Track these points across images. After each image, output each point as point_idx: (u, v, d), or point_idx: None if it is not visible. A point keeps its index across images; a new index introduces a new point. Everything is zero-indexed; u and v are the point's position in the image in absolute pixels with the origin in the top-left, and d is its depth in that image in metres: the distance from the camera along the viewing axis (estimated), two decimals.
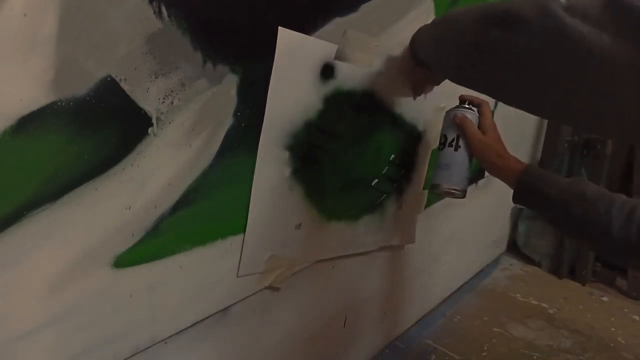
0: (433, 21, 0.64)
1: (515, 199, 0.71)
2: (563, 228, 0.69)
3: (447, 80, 0.91)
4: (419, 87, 0.80)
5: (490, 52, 0.49)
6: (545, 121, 1.65)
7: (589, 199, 0.63)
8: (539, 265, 1.66)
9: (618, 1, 0.40)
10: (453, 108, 0.78)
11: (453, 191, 0.75)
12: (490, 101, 0.75)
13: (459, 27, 0.54)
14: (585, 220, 0.63)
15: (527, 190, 0.69)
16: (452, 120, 0.76)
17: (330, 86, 0.67)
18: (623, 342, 1.21)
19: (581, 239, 0.66)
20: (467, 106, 0.77)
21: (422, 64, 0.69)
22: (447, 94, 0.92)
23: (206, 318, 0.62)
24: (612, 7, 0.40)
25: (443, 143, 0.77)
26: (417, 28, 0.71)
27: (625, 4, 0.39)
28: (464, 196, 0.77)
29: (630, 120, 0.40)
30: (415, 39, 0.69)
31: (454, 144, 0.75)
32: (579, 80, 0.41)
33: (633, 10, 0.39)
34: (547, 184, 0.67)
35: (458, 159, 0.75)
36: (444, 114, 0.80)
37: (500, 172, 0.73)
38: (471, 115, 0.76)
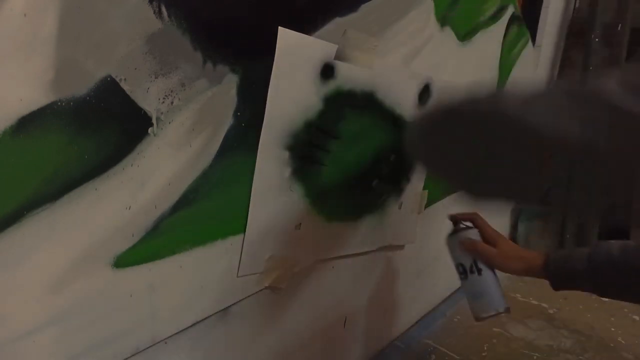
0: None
1: (556, 288, 0.72)
2: (612, 294, 0.69)
3: (449, 84, 0.92)
4: None
5: (450, 146, 0.50)
6: None
7: (619, 258, 0.63)
8: None
9: (569, 87, 0.41)
10: (452, 234, 0.79)
11: (502, 313, 0.75)
12: None
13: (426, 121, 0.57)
14: (625, 278, 0.63)
15: (561, 279, 0.70)
16: (461, 248, 0.76)
17: (330, 86, 0.67)
18: (623, 342, 1.20)
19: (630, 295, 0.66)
20: (462, 226, 0.78)
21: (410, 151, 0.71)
22: (446, 94, 0.92)
23: (206, 318, 0.62)
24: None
25: (464, 272, 0.76)
26: (417, 28, 0.71)
27: (576, 88, 0.41)
28: (509, 311, 0.77)
29: None
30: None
31: (475, 269, 0.75)
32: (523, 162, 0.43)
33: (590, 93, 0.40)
34: (573, 264, 0.68)
35: (487, 281, 0.75)
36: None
37: (529, 274, 0.75)
38: (473, 234, 0.76)
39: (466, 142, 0.48)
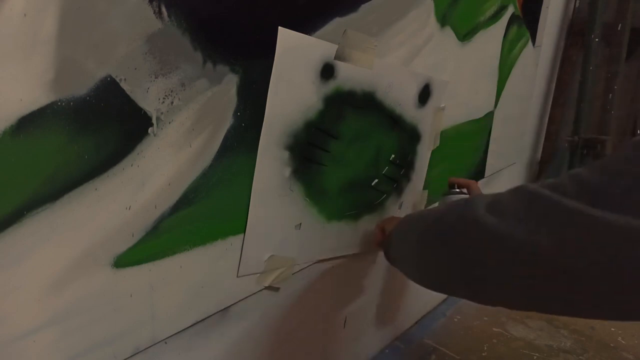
0: (398, 224, 0.69)
1: None
2: None
3: (449, 84, 0.92)
4: None
5: (438, 265, 0.54)
6: (545, 121, 1.65)
7: None
8: None
9: (529, 194, 0.44)
10: (444, 195, 0.80)
11: None
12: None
13: (410, 244, 0.61)
14: None
15: None
16: None
17: (330, 86, 0.67)
18: (623, 342, 1.20)
19: None
20: (457, 190, 0.79)
21: (393, 264, 0.74)
22: (446, 94, 0.92)
23: (206, 318, 0.62)
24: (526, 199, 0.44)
25: None
26: (417, 28, 0.70)
27: (534, 196, 0.43)
28: None
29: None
30: (386, 243, 0.74)
31: None
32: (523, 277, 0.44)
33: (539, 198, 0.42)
34: None
35: None
36: (443, 114, 0.80)
37: None
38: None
39: (446, 253, 0.52)
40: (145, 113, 0.47)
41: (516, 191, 0.46)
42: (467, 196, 0.79)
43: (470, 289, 0.50)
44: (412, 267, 0.63)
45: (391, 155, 0.84)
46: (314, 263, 0.78)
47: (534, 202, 0.43)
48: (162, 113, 0.49)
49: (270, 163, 0.62)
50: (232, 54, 0.53)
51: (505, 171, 1.36)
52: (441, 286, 0.56)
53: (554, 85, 1.62)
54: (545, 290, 0.42)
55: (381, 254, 0.94)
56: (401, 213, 0.92)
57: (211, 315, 0.62)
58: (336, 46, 0.65)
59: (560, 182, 0.42)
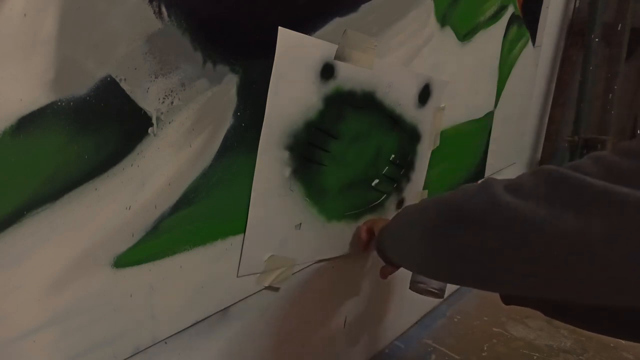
0: (394, 220, 0.67)
1: None
2: None
3: (449, 84, 0.92)
4: (386, 272, 0.81)
5: (451, 253, 0.49)
6: (545, 121, 1.65)
7: None
8: None
9: (552, 174, 0.42)
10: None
11: (432, 290, 0.80)
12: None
13: (410, 241, 0.57)
14: None
15: None
16: None
17: (330, 86, 0.67)
18: (623, 342, 1.20)
19: None
20: None
21: (390, 262, 0.73)
22: (446, 94, 0.92)
23: (206, 318, 0.62)
24: (551, 182, 0.42)
25: None
26: (417, 28, 0.70)
27: (558, 176, 0.41)
28: (442, 296, 0.82)
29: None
30: (380, 241, 0.72)
31: None
32: (543, 260, 0.42)
33: (567, 179, 0.41)
34: None
35: None
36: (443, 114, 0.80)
37: None
38: None
39: (468, 244, 0.47)
40: (145, 113, 0.47)
41: (537, 172, 0.44)
42: None
43: (481, 276, 0.47)
44: (414, 265, 0.62)
45: (391, 155, 0.84)
46: (314, 263, 0.78)
47: (558, 182, 0.41)
48: (162, 113, 0.49)
49: (270, 163, 0.62)
50: (232, 54, 0.53)
51: (505, 171, 1.36)
52: (448, 277, 0.54)
53: (554, 85, 1.62)
54: (567, 271, 0.40)
55: None
56: None
57: (211, 315, 0.62)
58: (336, 46, 0.65)
59: (582, 164, 0.41)
